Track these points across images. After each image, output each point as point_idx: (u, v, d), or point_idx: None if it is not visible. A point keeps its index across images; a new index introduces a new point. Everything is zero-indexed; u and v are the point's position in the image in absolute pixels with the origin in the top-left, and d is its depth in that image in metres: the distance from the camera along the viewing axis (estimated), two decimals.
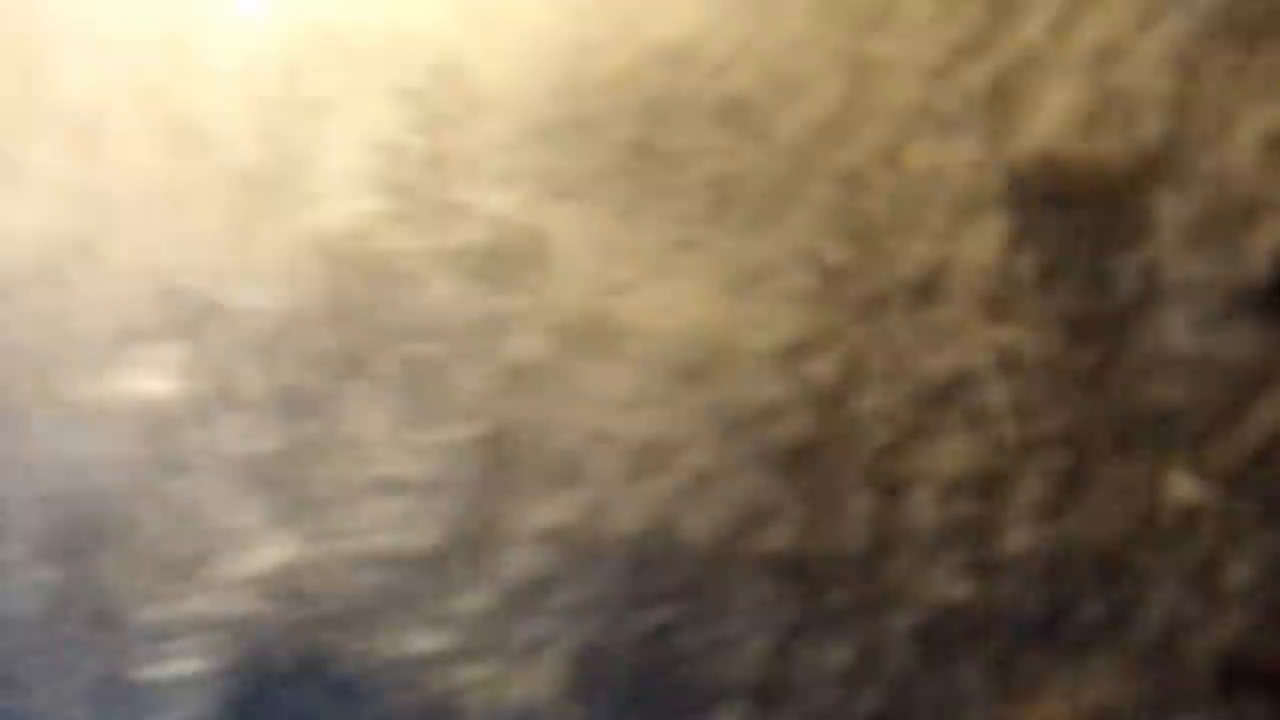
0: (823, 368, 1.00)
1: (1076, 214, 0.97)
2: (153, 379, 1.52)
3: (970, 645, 0.96)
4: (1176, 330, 0.94)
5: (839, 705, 0.95)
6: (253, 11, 1.38)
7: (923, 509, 0.97)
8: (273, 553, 1.36)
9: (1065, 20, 0.99)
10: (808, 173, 1.03)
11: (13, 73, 1.32)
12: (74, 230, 1.44)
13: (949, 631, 0.95)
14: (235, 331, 1.47)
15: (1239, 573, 0.92)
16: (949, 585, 0.96)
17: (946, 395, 0.98)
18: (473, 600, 1.16)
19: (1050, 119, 0.99)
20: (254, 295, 1.43)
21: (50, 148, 1.50)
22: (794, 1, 1.01)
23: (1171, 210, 0.96)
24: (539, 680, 1.11)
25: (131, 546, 1.76)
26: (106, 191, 1.42)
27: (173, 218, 1.41)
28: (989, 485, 0.96)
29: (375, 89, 1.28)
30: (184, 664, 1.44)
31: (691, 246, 1.04)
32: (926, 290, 0.99)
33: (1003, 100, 0.98)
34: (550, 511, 1.10)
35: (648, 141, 1.07)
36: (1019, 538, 0.96)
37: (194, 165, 1.56)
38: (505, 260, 1.15)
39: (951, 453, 0.97)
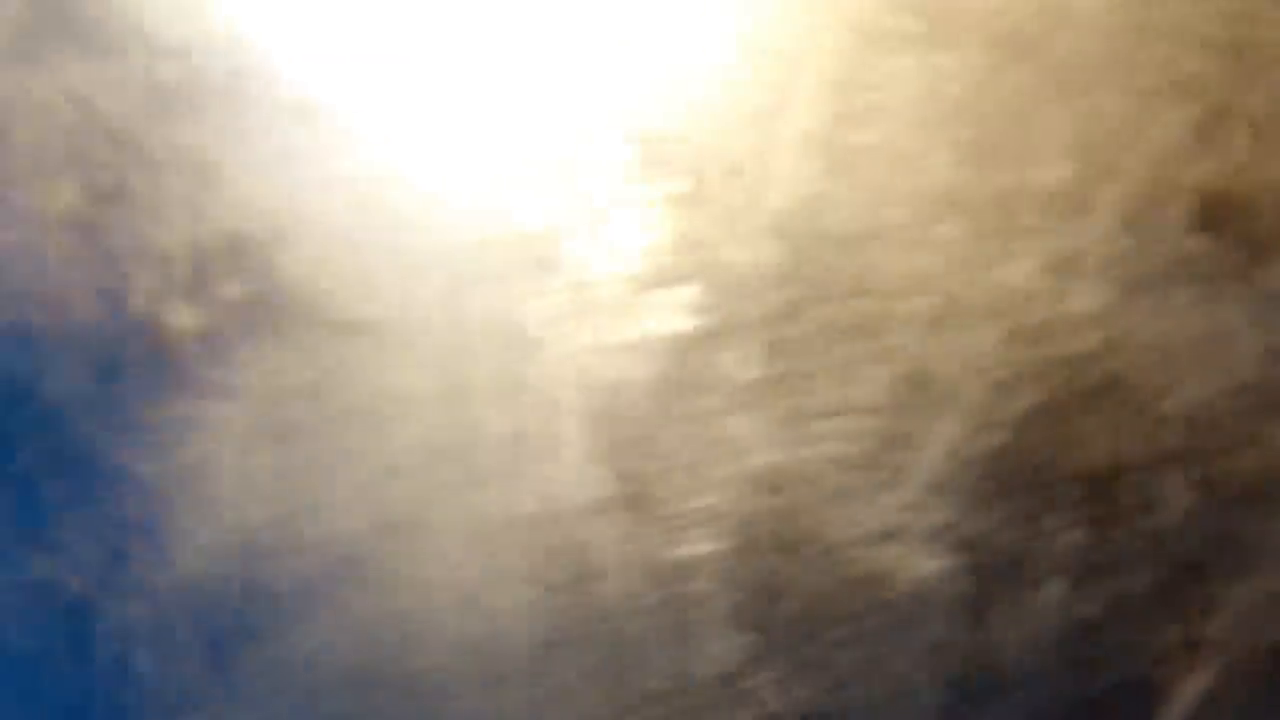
0: (1111, 332, 1.23)
1: (1242, 229, 1.13)
2: (671, 318, 2.06)
3: (1195, 547, 1.18)
4: None
5: (1123, 582, 1.21)
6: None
7: (1170, 438, 1.20)
8: (760, 458, 1.82)
9: (1244, 79, 1.11)
10: (1105, 184, 1.25)
11: None
12: None
13: (1184, 537, 1.19)
14: (729, 280, 1.94)
15: None
16: (1182, 497, 1.19)
17: (1186, 353, 1.19)
18: (894, 496, 1.53)
19: (1221, 159, 1.13)
20: (740, 251, 1.88)
21: None
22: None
23: None
24: (939, 559, 1.45)
25: (648, 449, 2.36)
26: None
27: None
28: (1207, 424, 1.17)
29: (805, 88, 1.64)
30: (699, 546, 2.02)
31: (1029, 235, 1.30)
32: (1172, 274, 1.18)
33: (1203, 140, 1.14)
34: (942, 431, 1.43)
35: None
36: (1223, 466, 1.16)
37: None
38: (919, 237, 1.48)
39: (1187, 397, 1.18)
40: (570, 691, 3.73)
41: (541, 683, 3.77)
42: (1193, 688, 1.25)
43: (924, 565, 1.41)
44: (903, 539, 1.46)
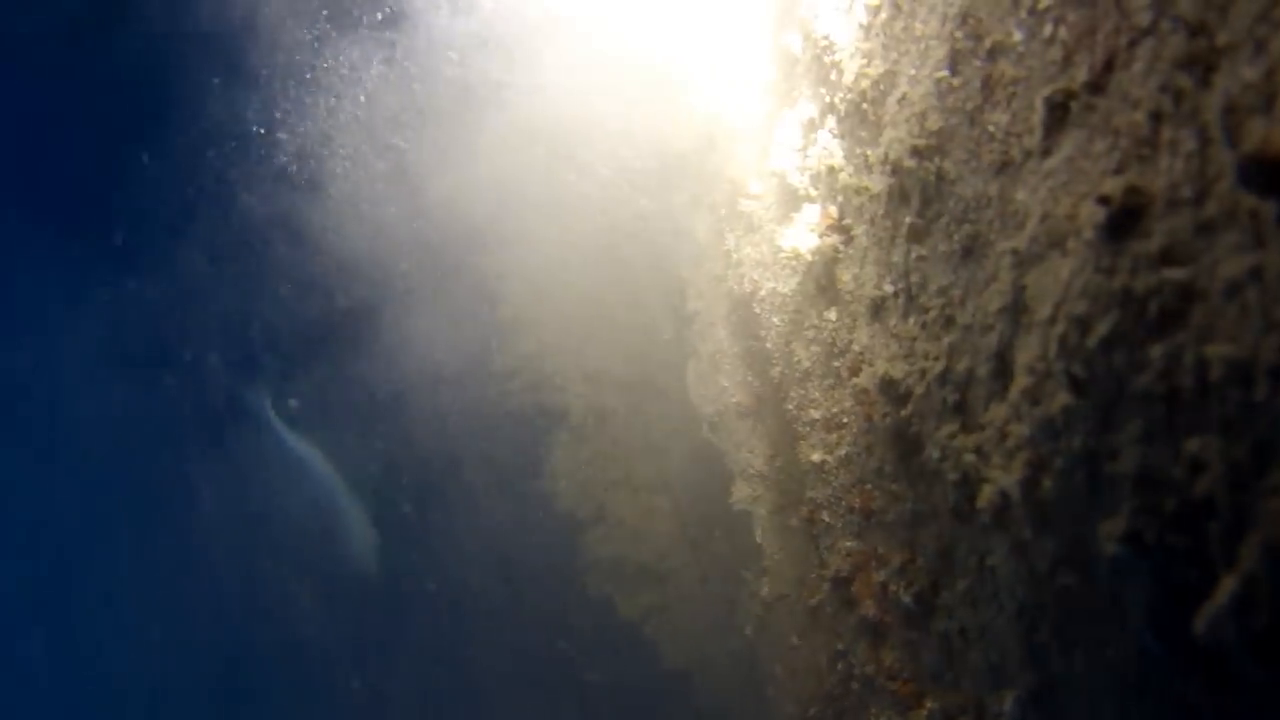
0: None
1: None
2: (808, 236, 2.17)
3: None
4: None
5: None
6: None
7: None
8: (881, 367, 1.92)
9: None
10: None
11: None
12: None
13: None
14: (854, 203, 2.03)
15: None
16: None
17: None
18: (992, 411, 1.60)
19: None
20: (870, 179, 1.96)
21: None
22: None
23: None
24: (1020, 472, 1.53)
25: (791, 356, 2.48)
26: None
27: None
28: None
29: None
30: (820, 454, 2.16)
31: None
32: None
33: None
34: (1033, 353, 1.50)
35: None
36: None
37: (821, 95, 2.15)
38: (1016, 165, 1.53)
39: None
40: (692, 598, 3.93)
41: (671, 583, 3.98)
42: None
43: (1006, 479, 1.50)
44: (995, 452, 1.55)
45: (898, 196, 1.83)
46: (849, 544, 2.40)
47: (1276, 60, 0.87)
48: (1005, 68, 1.44)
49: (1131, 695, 1.30)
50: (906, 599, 2.03)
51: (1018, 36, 1.41)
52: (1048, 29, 1.35)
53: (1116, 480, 1.17)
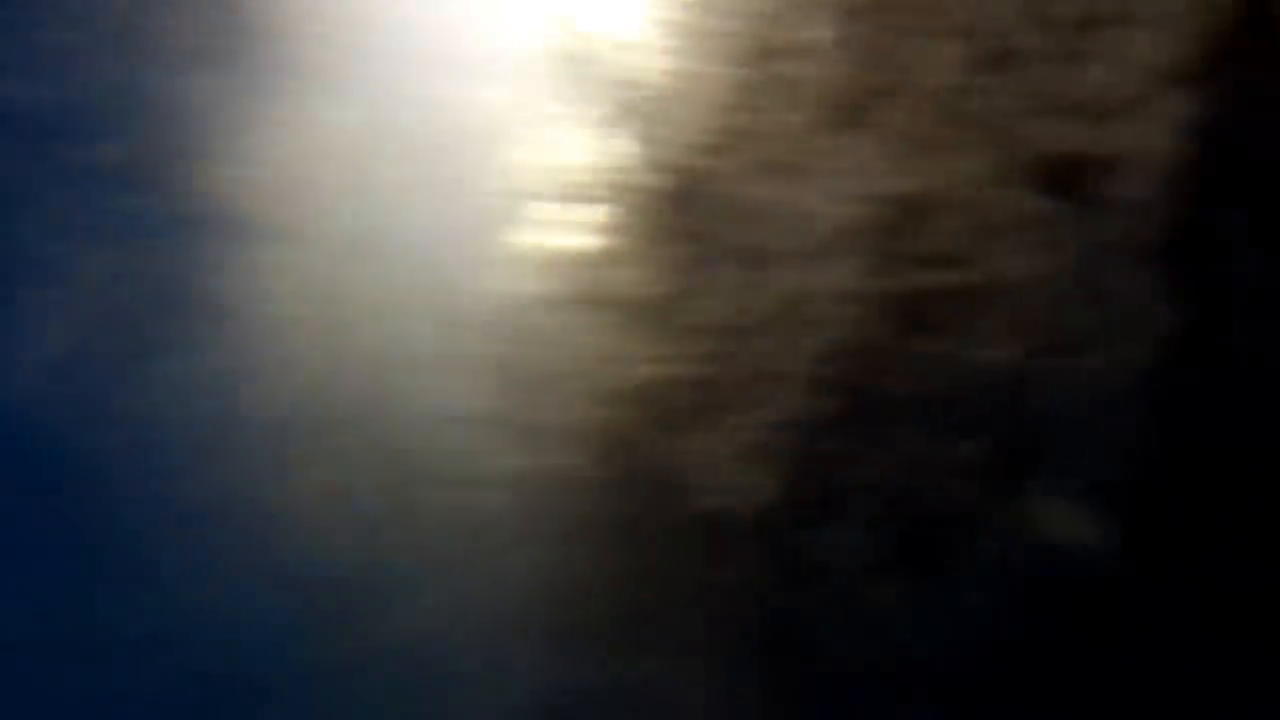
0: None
1: None
2: (583, 237, 2.09)
3: None
4: None
5: None
6: None
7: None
8: (645, 370, 1.86)
9: None
10: None
11: None
12: None
13: None
14: (633, 203, 1.97)
15: None
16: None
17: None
18: (743, 419, 1.57)
19: None
20: (650, 178, 1.90)
21: None
22: None
23: None
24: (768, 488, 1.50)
25: (514, 366, 2.39)
26: None
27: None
28: None
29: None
30: (560, 460, 2.06)
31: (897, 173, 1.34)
32: None
33: None
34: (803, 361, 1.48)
35: None
36: None
37: None
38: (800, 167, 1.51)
39: None
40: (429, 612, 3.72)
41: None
42: None
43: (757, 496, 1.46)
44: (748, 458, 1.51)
45: (677, 196, 1.79)
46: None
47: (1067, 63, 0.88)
48: (795, 68, 1.43)
49: None
50: None
51: (809, 37, 1.41)
52: (839, 30, 1.35)
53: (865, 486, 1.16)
